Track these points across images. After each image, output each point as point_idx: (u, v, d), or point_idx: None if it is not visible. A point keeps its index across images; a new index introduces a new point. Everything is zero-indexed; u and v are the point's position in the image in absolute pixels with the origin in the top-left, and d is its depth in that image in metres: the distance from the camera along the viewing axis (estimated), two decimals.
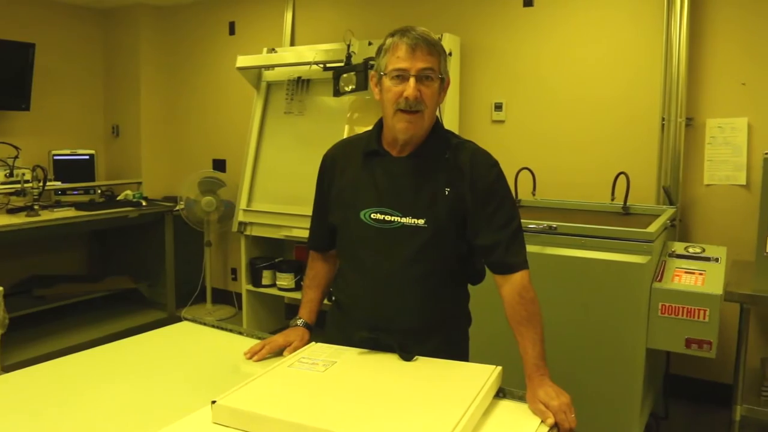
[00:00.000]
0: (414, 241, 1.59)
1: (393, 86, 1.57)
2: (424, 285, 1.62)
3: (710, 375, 3.34)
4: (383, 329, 1.60)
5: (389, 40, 1.59)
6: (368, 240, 1.65)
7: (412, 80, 1.54)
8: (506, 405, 1.39)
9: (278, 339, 1.69)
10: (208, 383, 1.52)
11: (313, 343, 1.65)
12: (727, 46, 3.23)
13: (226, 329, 1.94)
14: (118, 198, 4.88)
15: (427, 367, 1.50)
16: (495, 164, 1.66)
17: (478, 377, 1.39)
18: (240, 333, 1.91)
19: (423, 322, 1.64)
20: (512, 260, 1.59)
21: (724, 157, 3.27)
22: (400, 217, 1.61)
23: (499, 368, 1.43)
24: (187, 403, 1.36)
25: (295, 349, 1.62)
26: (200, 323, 1.99)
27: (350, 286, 1.73)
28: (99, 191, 4.90)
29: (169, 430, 1.23)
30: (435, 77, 1.57)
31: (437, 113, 1.69)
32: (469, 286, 1.78)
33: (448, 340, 1.68)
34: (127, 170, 5.35)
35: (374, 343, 1.58)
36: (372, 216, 1.64)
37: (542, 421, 1.31)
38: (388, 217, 1.62)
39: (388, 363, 1.52)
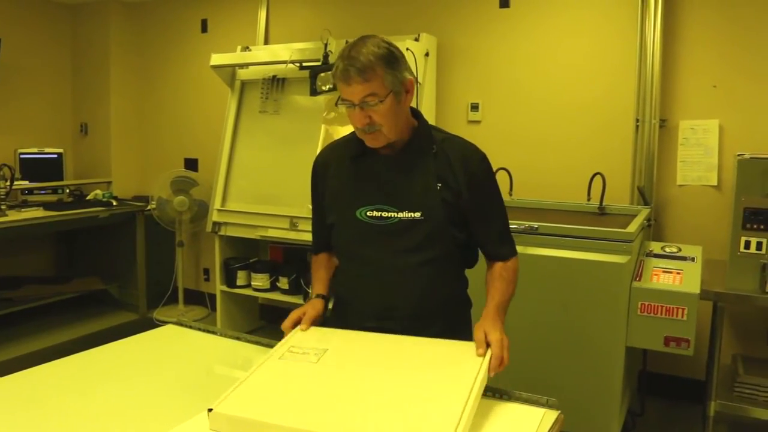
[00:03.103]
0: (412, 234, 1.63)
1: (349, 112, 1.59)
2: (424, 273, 1.65)
3: (682, 372, 3.41)
4: (387, 318, 1.65)
5: (334, 66, 1.58)
6: (367, 237, 1.67)
7: (357, 110, 1.55)
8: (507, 407, 1.39)
9: (295, 313, 1.69)
10: (200, 387, 1.50)
11: (297, 329, 1.62)
12: (699, 49, 3.30)
13: (212, 332, 1.92)
14: (88, 198, 4.79)
15: (418, 347, 1.50)
16: (484, 158, 1.71)
17: (472, 356, 1.42)
18: (225, 335, 1.89)
19: (425, 308, 1.67)
20: (506, 250, 1.73)
21: (696, 158, 3.33)
22: (397, 212, 1.63)
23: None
24: (180, 407, 1.35)
25: (309, 318, 1.65)
26: (186, 326, 1.96)
27: (351, 280, 1.76)
28: (67, 191, 4.80)
29: None
30: (380, 98, 1.54)
31: (411, 112, 1.70)
32: (466, 270, 1.82)
33: (450, 324, 1.70)
34: (96, 169, 5.24)
35: (381, 332, 1.61)
36: (368, 214, 1.66)
37: (477, 350, 1.44)
38: (384, 214, 1.65)
39: (378, 346, 1.52)
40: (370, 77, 1.52)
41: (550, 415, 1.36)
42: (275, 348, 1.53)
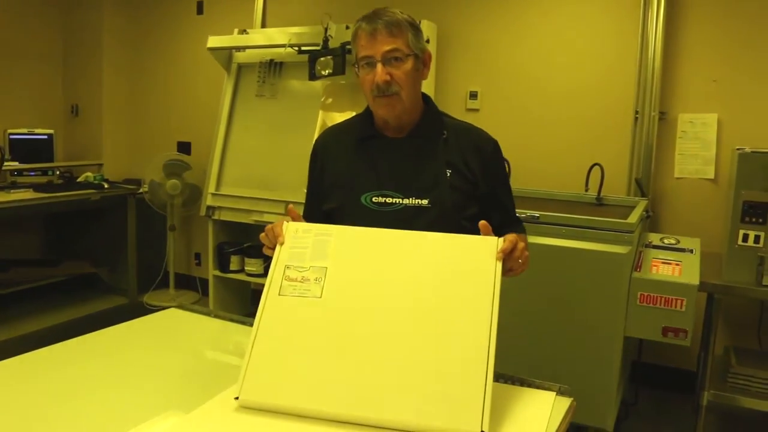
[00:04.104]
0: (418, 222, 1.56)
1: (365, 74, 1.58)
2: None
3: (673, 362, 3.45)
4: None
5: (354, 28, 1.59)
6: (370, 224, 1.61)
7: (379, 66, 1.54)
8: (520, 392, 1.39)
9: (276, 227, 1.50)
10: (210, 372, 1.49)
11: (285, 223, 1.47)
12: (701, 44, 3.31)
13: (218, 317, 1.90)
14: (78, 180, 4.72)
15: (425, 260, 1.36)
16: (497, 145, 1.71)
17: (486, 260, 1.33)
18: (231, 320, 1.88)
19: None
20: (520, 229, 1.74)
21: (694, 151, 3.35)
22: (402, 199, 1.60)
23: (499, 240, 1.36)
24: (193, 392, 1.34)
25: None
26: (189, 310, 1.94)
27: None
28: (57, 173, 4.72)
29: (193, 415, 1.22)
30: (404, 56, 1.55)
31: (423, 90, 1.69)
32: None
33: None
34: (87, 151, 5.16)
35: None
36: (373, 200, 1.62)
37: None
38: (389, 200, 1.61)
39: (381, 260, 1.38)
40: (397, 33, 1.54)
41: (563, 402, 1.36)
42: (270, 272, 1.39)
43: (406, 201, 1.60)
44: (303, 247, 1.41)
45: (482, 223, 1.38)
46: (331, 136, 1.79)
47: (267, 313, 1.34)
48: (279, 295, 1.36)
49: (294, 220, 1.52)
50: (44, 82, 5.11)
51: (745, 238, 2.65)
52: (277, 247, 1.44)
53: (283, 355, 1.28)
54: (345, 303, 1.33)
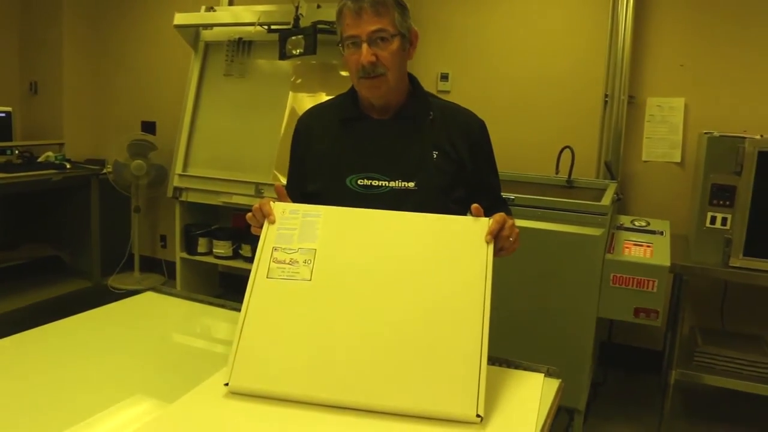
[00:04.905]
0: (404, 205, 1.51)
1: (350, 54, 1.54)
2: None
3: (639, 342, 3.53)
4: None
5: (339, 6, 1.54)
6: (355, 207, 1.60)
7: (364, 46, 1.50)
8: (508, 373, 1.39)
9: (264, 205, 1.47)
10: (189, 357, 1.46)
11: (273, 203, 1.44)
12: (669, 28, 3.35)
13: (194, 300, 1.87)
14: (39, 160, 4.57)
15: (417, 241, 1.35)
16: (483, 125, 1.70)
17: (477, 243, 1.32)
18: (209, 303, 1.85)
19: None
20: (508, 211, 1.64)
21: (661, 135, 3.41)
22: (388, 181, 1.57)
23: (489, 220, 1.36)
24: (181, 377, 1.31)
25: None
26: (165, 293, 1.90)
27: None
28: (16, 152, 4.56)
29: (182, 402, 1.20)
30: (390, 36, 1.52)
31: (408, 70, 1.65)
32: None
33: None
34: (47, 130, 4.98)
35: None
36: (358, 182, 1.59)
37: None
38: (375, 182, 1.58)
39: (369, 242, 1.36)
40: (383, 12, 1.50)
41: (552, 384, 1.37)
42: (258, 254, 1.36)
43: (392, 183, 1.57)
44: (291, 228, 1.39)
45: (475, 206, 1.37)
46: (314, 117, 1.75)
47: (255, 296, 1.31)
48: (267, 278, 1.33)
49: (281, 199, 1.49)
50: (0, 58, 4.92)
51: (713, 220, 2.72)
52: (265, 226, 1.41)
53: (272, 339, 1.26)
54: (335, 286, 1.31)
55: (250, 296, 1.31)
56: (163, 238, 5.03)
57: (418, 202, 1.53)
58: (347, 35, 1.52)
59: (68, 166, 4.48)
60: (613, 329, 3.40)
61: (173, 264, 4.40)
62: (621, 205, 3.48)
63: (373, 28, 1.49)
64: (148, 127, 4.88)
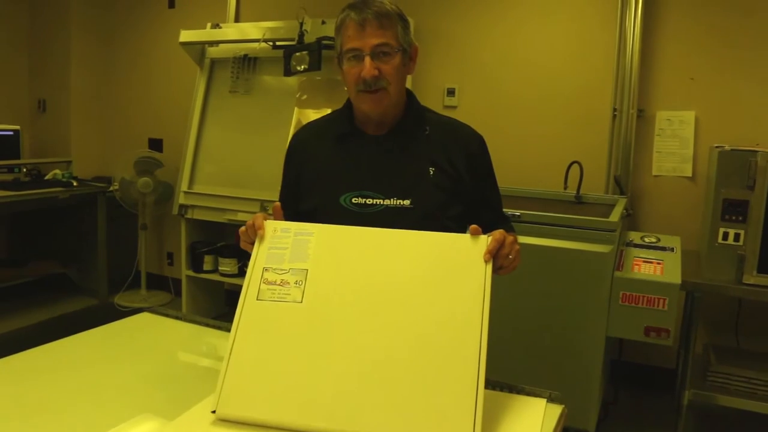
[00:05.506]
0: (400, 224, 1.44)
1: (350, 68, 1.50)
2: None
3: (652, 361, 3.44)
4: None
5: (340, 18, 1.52)
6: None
7: (367, 60, 1.46)
8: (510, 399, 1.34)
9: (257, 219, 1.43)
10: (187, 378, 1.42)
11: (264, 221, 1.38)
12: (678, 41, 3.30)
13: (189, 321, 1.83)
14: (46, 177, 4.58)
15: (407, 267, 1.29)
16: (482, 140, 1.66)
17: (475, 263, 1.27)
18: (206, 324, 1.81)
19: None
20: (509, 228, 1.59)
21: (671, 149, 3.35)
22: (383, 200, 1.53)
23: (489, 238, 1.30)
24: (168, 399, 1.27)
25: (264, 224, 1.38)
26: (162, 315, 1.86)
27: None
28: (24, 170, 4.58)
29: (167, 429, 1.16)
30: (393, 51, 1.49)
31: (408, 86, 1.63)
32: None
33: None
34: (54, 148, 5.00)
35: None
36: (353, 200, 1.54)
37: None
38: (369, 201, 1.53)
39: (363, 264, 1.30)
40: (387, 26, 1.47)
41: (554, 410, 1.32)
42: (248, 274, 1.31)
43: (387, 201, 1.53)
44: (282, 247, 1.34)
45: (473, 227, 1.31)
46: (307, 134, 1.71)
47: (245, 319, 1.26)
48: (257, 299, 1.28)
49: (276, 218, 1.44)
50: (8, 76, 4.94)
51: (725, 236, 2.65)
52: (256, 244, 1.36)
53: (262, 365, 1.21)
54: (327, 308, 1.26)
55: (239, 319, 1.26)
56: (170, 256, 5.01)
57: (414, 221, 1.47)
58: (348, 48, 1.49)
59: (75, 183, 4.48)
60: (624, 347, 3.31)
61: (180, 281, 4.38)
62: (630, 220, 3.42)
63: (377, 41, 1.47)
64: (155, 144, 4.89)
